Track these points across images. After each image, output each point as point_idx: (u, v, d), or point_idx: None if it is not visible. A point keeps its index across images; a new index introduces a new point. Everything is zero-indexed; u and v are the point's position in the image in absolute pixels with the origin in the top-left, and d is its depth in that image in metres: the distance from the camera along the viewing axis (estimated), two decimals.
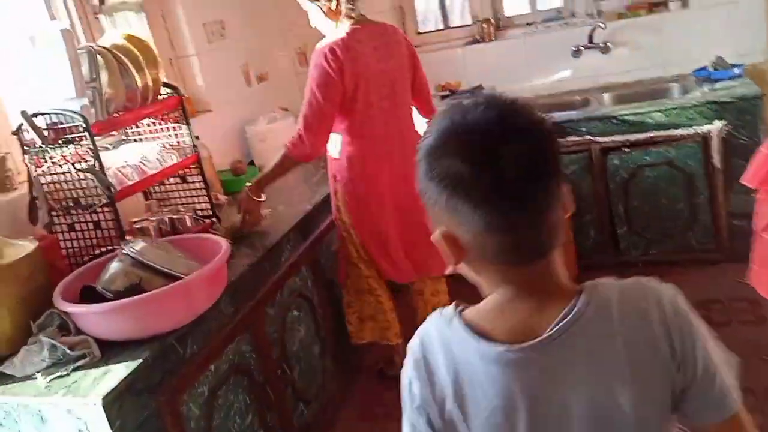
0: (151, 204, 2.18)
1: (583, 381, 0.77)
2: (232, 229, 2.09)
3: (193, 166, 2.13)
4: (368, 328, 2.41)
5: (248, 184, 2.17)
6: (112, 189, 1.74)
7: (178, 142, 2.11)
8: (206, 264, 1.59)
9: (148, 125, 2.12)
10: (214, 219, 2.16)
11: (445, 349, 0.83)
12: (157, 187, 2.20)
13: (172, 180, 2.18)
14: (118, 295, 1.48)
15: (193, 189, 2.17)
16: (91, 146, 1.70)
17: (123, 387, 1.34)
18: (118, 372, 1.37)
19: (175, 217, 2.07)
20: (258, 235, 2.09)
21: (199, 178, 2.14)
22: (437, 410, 0.83)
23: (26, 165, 1.79)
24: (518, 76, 3.25)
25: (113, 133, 2.13)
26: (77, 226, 1.82)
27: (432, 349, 0.84)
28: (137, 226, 2.00)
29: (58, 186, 1.78)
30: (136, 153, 2.01)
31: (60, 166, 1.75)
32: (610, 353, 0.77)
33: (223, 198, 2.55)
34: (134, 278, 1.49)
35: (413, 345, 0.87)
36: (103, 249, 1.82)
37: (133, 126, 2.14)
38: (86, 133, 1.69)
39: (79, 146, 1.72)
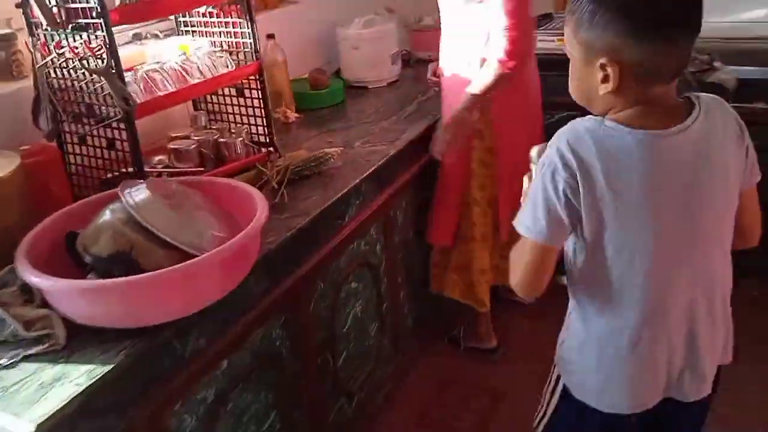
0: (198, 116, 1.73)
1: (715, 163, 0.99)
2: (293, 164, 1.61)
3: (253, 78, 1.64)
4: (452, 280, 2.04)
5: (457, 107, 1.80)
6: (131, 102, 1.29)
7: (236, 43, 1.62)
8: (231, 231, 1.13)
9: (204, 15, 1.63)
10: (270, 149, 1.69)
11: (597, 141, 0.95)
12: (210, 96, 1.74)
13: (226, 90, 1.71)
14: (98, 261, 1.06)
15: (251, 107, 1.69)
16: (106, 38, 1.24)
17: (77, 406, 0.94)
18: (77, 378, 0.97)
19: (222, 140, 1.62)
20: (319, 181, 1.61)
21: (259, 94, 1.65)
22: (584, 194, 0.95)
23: (29, 50, 1.35)
24: None
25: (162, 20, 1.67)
26: (90, 140, 1.40)
27: (582, 142, 0.95)
28: (173, 146, 1.56)
29: (66, 84, 1.35)
30: (180, 51, 1.53)
31: (70, 60, 1.31)
32: (721, 143, 1.00)
33: (293, 116, 2.07)
34: (124, 244, 1.06)
35: (559, 141, 0.97)
36: (118, 175, 1.40)
37: (187, 14, 1.66)
38: (100, 20, 1.23)
39: (93, 36, 1.26)
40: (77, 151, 1.41)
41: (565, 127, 0.97)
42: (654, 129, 0.94)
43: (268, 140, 1.70)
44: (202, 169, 1.57)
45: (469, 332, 2.16)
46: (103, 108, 1.32)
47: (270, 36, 2.03)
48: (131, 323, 1.04)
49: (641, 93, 0.94)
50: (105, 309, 1.03)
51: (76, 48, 1.28)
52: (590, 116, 0.98)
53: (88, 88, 1.31)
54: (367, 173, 1.65)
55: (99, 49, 1.26)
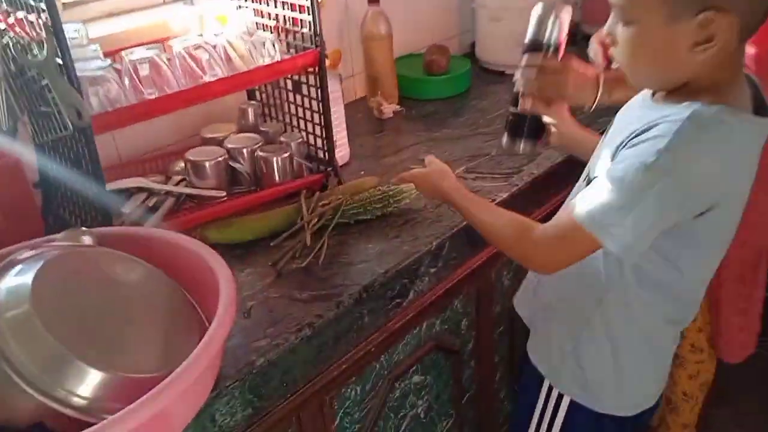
0: (247, 110, 1.28)
1: None
2: (348, 202, 1.12)
3: (311, 70, 1.14)
4: None
5: None
6: (81, 113, 0.86)
7: (287, 20, 1.12)
8: (185, 342, 0.69)
9: None
10: (328, 171, 1.21)
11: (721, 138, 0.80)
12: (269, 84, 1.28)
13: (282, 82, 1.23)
14: None
15: (308, 109, 1.21)
16: (47, 16, 0.81)
17: None
18: None
19: (262, 154, 1.16)
20: (379, 230, 1.10)
21: (318, 94, 1.16)
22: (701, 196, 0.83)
23: None
24: None
25: None
26: (54, 153, 1.01)
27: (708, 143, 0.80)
28: (192, 157, 1.13)
29: (22, 70, 0.95)
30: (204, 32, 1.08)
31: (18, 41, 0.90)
32: None
33: (390, 109, 1.55)
34: None
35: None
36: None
37: None
38: None
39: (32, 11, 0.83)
40: (47, 161, 1.03)
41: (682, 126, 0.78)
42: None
43: (327, 158, 1.21)
44: (223, 194, 1.13)
45: None
46: (60, 115, 0.91)
47: (373, 0, 1.50)
48: None
49: (738, 60, 0.82)
50: None
51: (15, 24, 0.86)
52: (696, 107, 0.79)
53: (37, 84, 0.90)
54: (457, 228, 1.11)
55: (40, 32, 0.83)
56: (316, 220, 1.08)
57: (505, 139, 1.06)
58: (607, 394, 1.03)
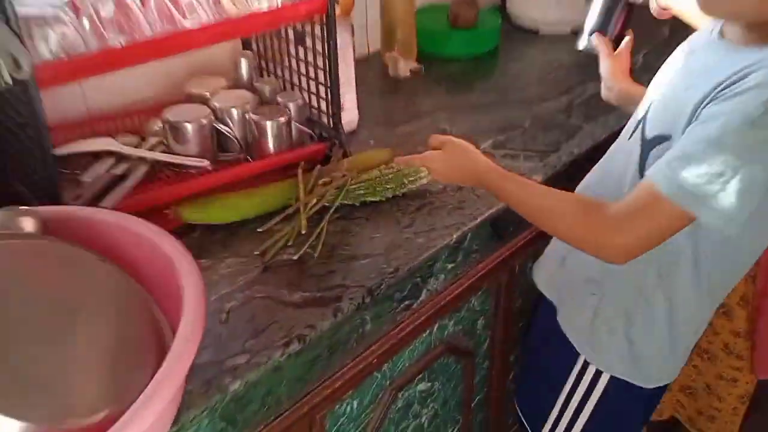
0: (243, 60, 1.08)
1: None
2: (354, 181, 0.95)
3: (317, 18, 0.95)
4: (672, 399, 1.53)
5: None
6: (20, 63, 0.67)
7: None
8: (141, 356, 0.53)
9: None
10: (334, 142, 1.03)
11: None
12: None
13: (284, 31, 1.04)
14: None
15: (312, 65, 1.02)
16: None
17: None
18: None
19: (253, 117, 0.97)
20: (390, 216, 0.93)
21: (325, 49, 0.97)
22: None
23: None
24: None
25: None
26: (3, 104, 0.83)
27: None
28: (171, 117, 0.95)
29: None
30: None
31: None
32: None
33: (408, 68, 1.35)
34: None
35: None
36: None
37: None
38: None
39: None
40: None
41: None
42: None
43: (331, 124, 1.03)
44: (205, 164, 0.95)
45: None
46: None
47: None
48: None
49: None
50: None
51: None
52: None
53: None
54: (482, 218, 0.94)
55: None
56: (314, 201, 0.91)
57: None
58: (656, 367, 0.94)
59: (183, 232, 0.90)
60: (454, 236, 0.90)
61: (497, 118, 1.19)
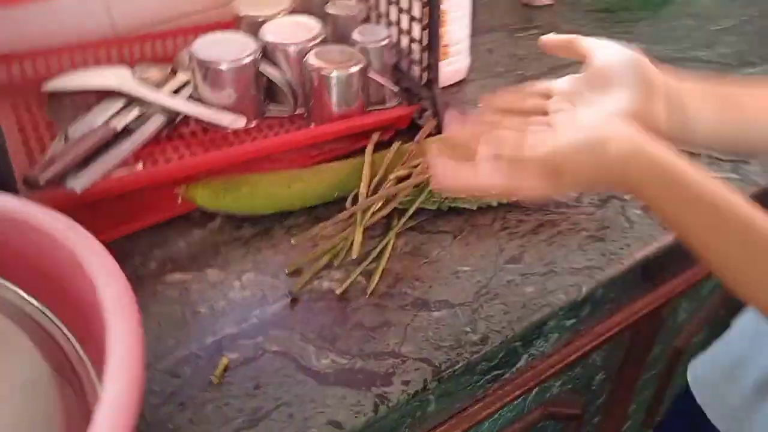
0: None
1: None
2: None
3: None
4: None
5: None
6: None
7: None
8: None
9: None
10: (424, 103, 0.71)
11: None
12: None
13: None
14: None
15: None
16: None
17: None
18: None
19: (315, 62, 0.68)
20: (488, 236, 0.62)
21: None
22: None
23: None
24: None
25: None
26: None
27: None
28: (199, 54, 0.67)
29: None
30: None
31: None
32: None
33: None
34: None
35: None
36: None
37: None
38: None
39: None
40: None
41: None
42: None
43: (423, 80, 0.71)
44: (240, 123, 0.68)
45: None
46: None
47: None
48: None
49: None
50: None
51: None
52: None
53: None
54: (637, 258, 0.61)
55: None
56: (378, 205, 0.61)
57: None
58: None
59: (197, 220, 0.64)
60: (584, 289, 0.58)
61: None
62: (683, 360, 0.86)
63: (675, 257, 0.66)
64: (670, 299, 0.73)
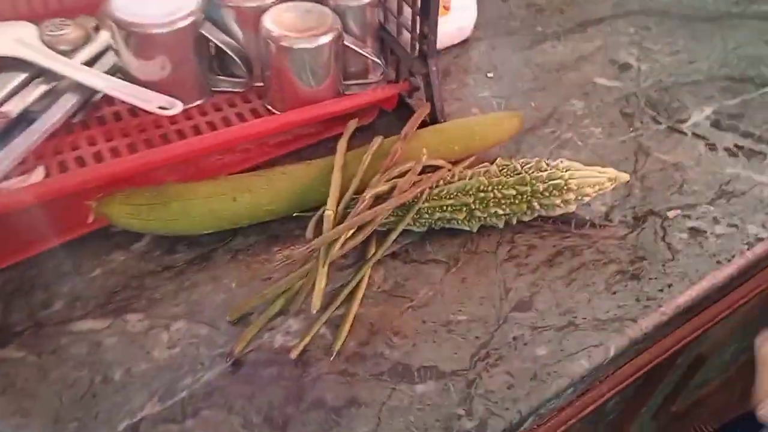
0: None
1: None
2: (442, 178, 0.50)
3: None
4: None
5: None
6: None
7: None
8: None
9: None
10: (414, 88, 0.56)
11: None
12: None
13: None
14: None
15: None
16: None
17: None
18: None
19: (275, 29, 0.51)
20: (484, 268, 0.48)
21: None
22: None
23: None
24: None
25: None
26: None
27: None
28: (116, 10, 0.51)
29: None
30: None
31: None
32: None
33: None
34: None
35: None
36: None
37: None
38: None
39: None
40: None
41: None
42: None
43: (417, 51, 0.55)
44: (174, 109, 0.52)
45: None
46: None
47: None
48: None
49: None
50: None
51: None
52: None
53: None
54: (680, 302, 0.48)
55: None
56: (349, 233, 0.47)
57: None
58: None
59: (118, 238, 0.50)
60: (612, 351, 0.45)
61: (736, 53, 0.66)
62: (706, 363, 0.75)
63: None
64: (710, 327, 0.60)
